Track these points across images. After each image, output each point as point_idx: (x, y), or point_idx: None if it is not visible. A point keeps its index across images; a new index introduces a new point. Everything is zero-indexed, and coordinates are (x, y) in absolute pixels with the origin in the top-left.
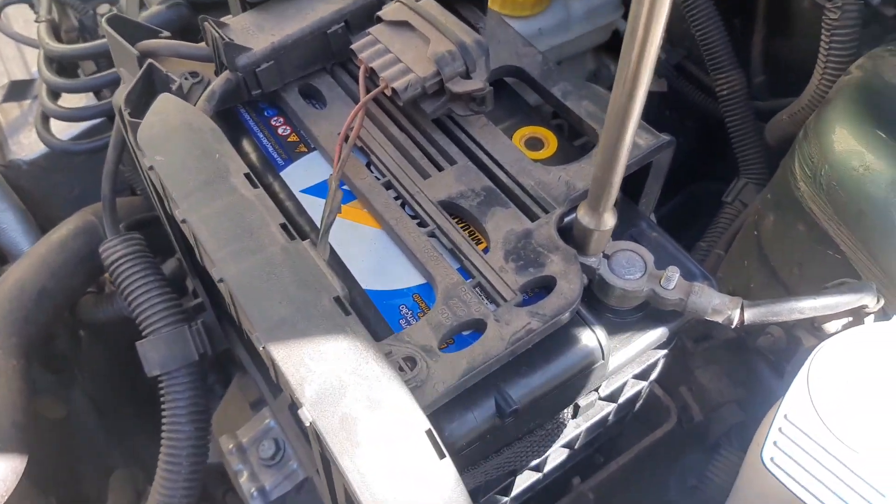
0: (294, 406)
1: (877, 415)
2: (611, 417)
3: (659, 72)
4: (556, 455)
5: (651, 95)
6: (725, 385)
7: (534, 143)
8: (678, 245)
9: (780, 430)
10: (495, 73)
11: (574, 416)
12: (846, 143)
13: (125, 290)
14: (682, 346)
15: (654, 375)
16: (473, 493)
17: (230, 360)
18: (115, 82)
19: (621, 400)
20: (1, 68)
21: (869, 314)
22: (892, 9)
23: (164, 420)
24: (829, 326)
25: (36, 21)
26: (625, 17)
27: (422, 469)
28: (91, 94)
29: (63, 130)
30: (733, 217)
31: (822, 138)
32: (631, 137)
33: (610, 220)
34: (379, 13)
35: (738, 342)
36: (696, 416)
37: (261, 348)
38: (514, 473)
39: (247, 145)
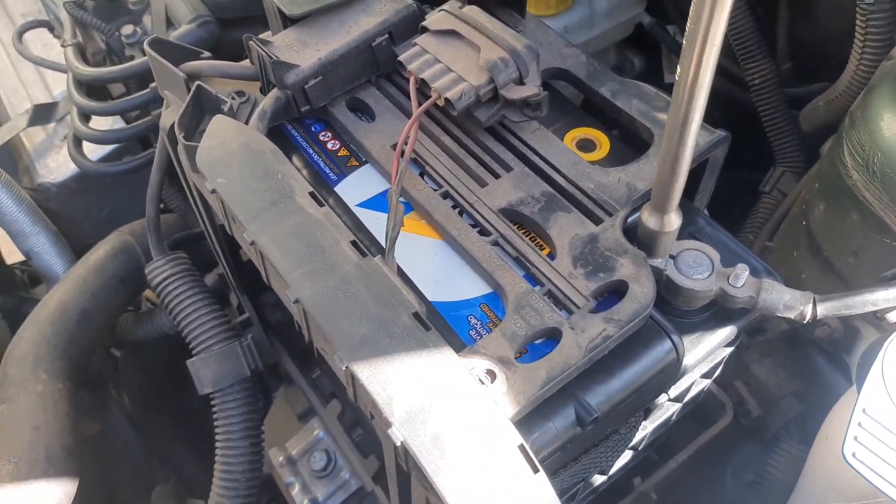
0: (345, 412)
1: None
2: (674, 417)
3: None
4: (622, 457)
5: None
6: (783, 378)
7: (586, 145)
8: (738, 241)
9: (859, 424)
10: (541, 76)
11: (645, 418)
12: None
13: (174, 309)
14: None
15: (717, 373)
16: None
17: (272, 373)
18: (146, 104)
19: (686, 399)
20: (22, 93)
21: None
22: None
23: (218, 437)
24: (891, 316)
25: (62, 45)
26: (647, 10)
27: (517, 484)
28: (118, 116)
29: (90, 153)
30: (773, 206)
31: (871, 125)
32: (694, 137)
33: (676, 220)
34: (424, 23)
35: (793, 334)
36: (753, 410)
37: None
38: (585, 480)
39: (297, 162)
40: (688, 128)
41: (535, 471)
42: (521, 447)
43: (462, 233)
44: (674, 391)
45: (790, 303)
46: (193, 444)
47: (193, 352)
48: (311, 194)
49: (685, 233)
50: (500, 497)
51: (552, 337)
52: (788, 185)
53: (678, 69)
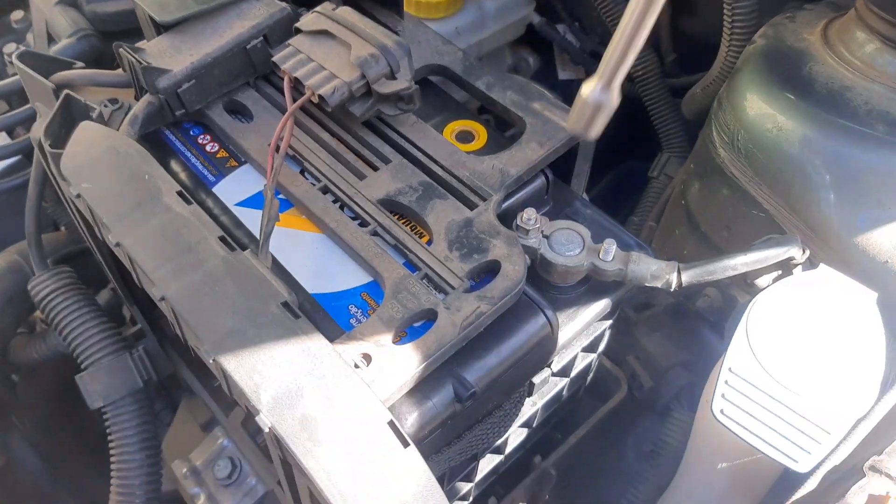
0: (250, 418)
1: (813, 357)
2: (564, 392)
3: (576, 60)
4: (515, 436)
5: (571, 83)
6: (670, 349)
7: (465, 136)
8: (612, 219)
9: (726, 382)
10: (419, 73)
11: (530, 394)
12: (758, 107)
13: (59, 325)
14: (625, 317)
15: (601, 347)
16: (438, 481)
17: (176, 385)
18: (29, 119)
19: (573, 374)
20: None
21: (796, 265)
22: None
23: (112, 451)
24: (761, 282)
25: None
26: (537, 10)
27: (388, 460)
28: (3, 134)
29: None
30: (661, 190)
31: (735, 105)
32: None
33: (618, 97)
34: (297, 24)
35: (678, 307)
36: (645, 383)
37: (210, 361)
38: (477, 458)
39: (175, 166)
40: None
41: (406, 445)
42: (391, 423)
43: (341, 225)
44: (556, 365)
45: (657, 272)
46: (101, 466)
47: (82, 366)
48: (179, 193)
49: (561, 214)
50: (371, 474)
51: (429, 318)
52: (674, 169)
53: None
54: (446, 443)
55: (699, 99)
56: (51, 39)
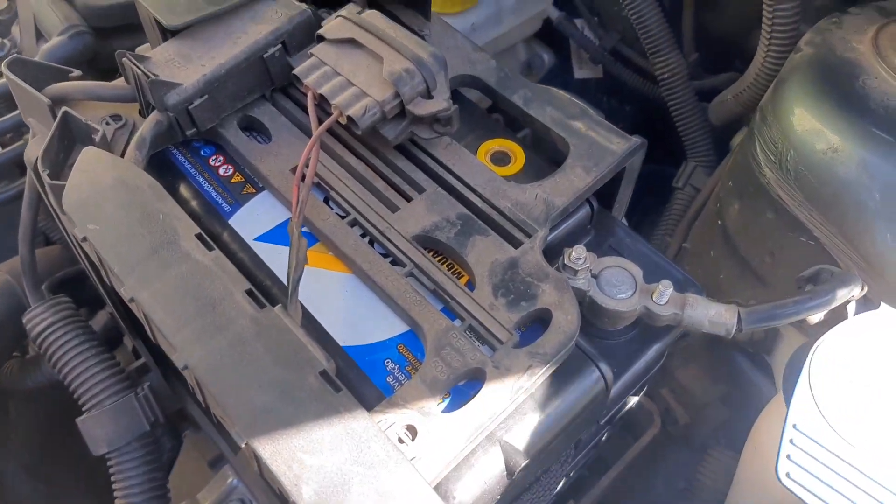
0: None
1: (883, 411)
2: (604, 438)
3: (594, 58)
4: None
5: (587, 82)
6: (707, 383)
7: (500, 158)
8: (660, 253)
9: (791, 441)
10: (450, 84)
11: (575, 448)
12: (808, 123)
13: (57, 363)
14: None
15: (645, 389)
16: None
17: (180, 416)
18: (17, 126)
19: (615, 419)
20: None
21: (850, 302)
22: None
23: (117, 499)
24: (812, 318)
25: None
26: (555, 4)
27: None
28: None
29: None
30: (687, 202)
31: (782, 121)
32: None
33: None
34: (320, 31)
35: (714, 338)
36: (680, 418)
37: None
38: None
39: (185, 192)
40: None
41: None
42: None
43: (373, 265)
44: (604, 416)
45: (715, 318)
46: (96, 492)
47: (84, 408)
48: (199, 236)
49: (605, 246)
50: None
51: (476, 377)
52: (700, 180)
53: None
54: None
55: (730, 106)
56: (40, 35)
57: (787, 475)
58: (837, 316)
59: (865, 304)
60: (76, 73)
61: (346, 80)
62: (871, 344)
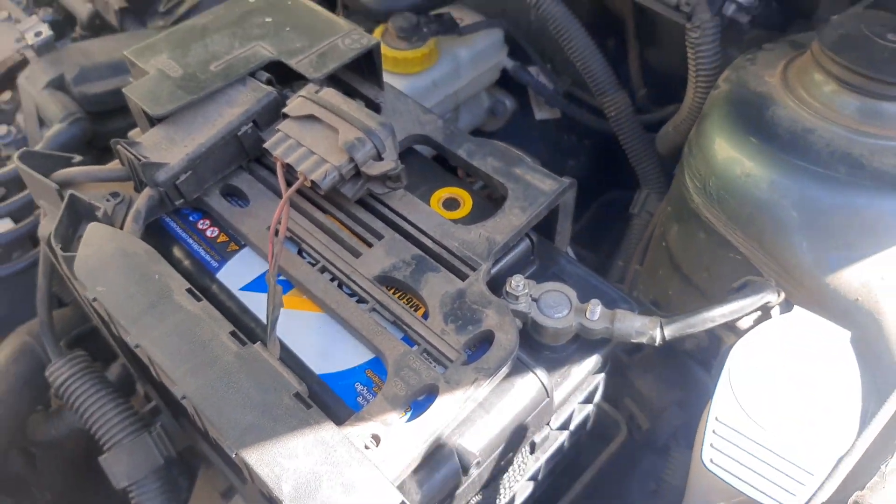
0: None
1: (794, 400)
2: (566, 444)
3: (550, 102)
4: (522, 491)
5: (547, 122)
6: (663, 389)
7: (451, 204)
8: (596, 275)
9: (713, 431)
10: (403, 143)
11: (532, 451)
12: (726, 152)
13: (79, 409)
14: (618, 361)
15: (597, 397)
16: None
17: (193, 455)
18: (27, 206)
19: (573, 426)
20: None
21: (773, 307)
22: (745, 16)
23: None
24: (742, 323)
25: None
26: (510, 55)
27: None
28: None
29: None
30: (643, 228)
31: (704, 151)
32: None
33: None
34: (285, 110)
35: (668, 348)
36: (643, 424)
37: (233, 455)
38: None
39: (178, 253)
40: None
41: None
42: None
43: (341, 304)
44: (555, 422)
45: (641, 329)
46: None
47: (104, 448)
48: (189, 290)
49: (548, 273)
50: None
51: (431, 392)
52: (654, 206)
53: None
54: None
55: (672, 136)
56: (42, 122)
57: (711, 461)
58: (765, 319)
59: (787, 307)
60: (77, 158)
61: (309, 150)
62: (784, 341)
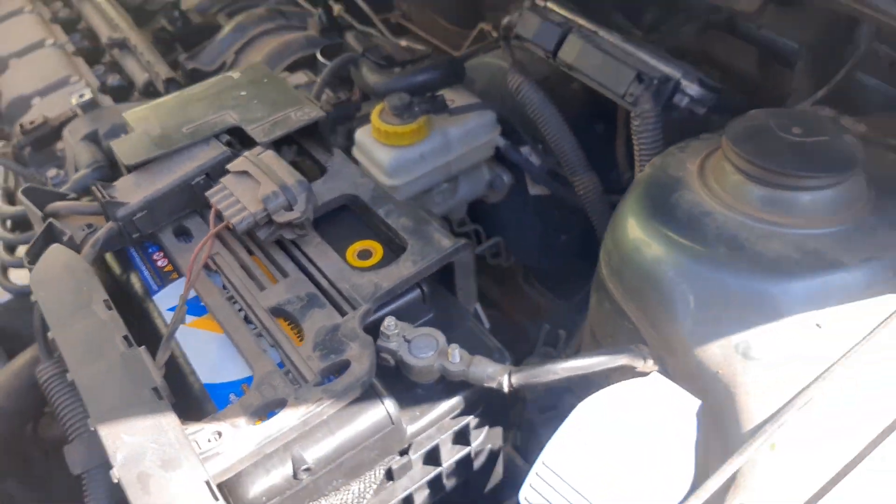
0: None
1: (622, 463)
2: (445, 481)
3: (536, 179)
4: None
5: (540, 198)
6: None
7: (364, 254)
8: (485, 330)
9: (537, 473)
10: (338, 201)
11: (390, 478)
12: (632, 230)
13: (54, 404)
14: (529, 418)
15: (477, 441)
16: None
17: None
18: None
19: (446, 464)
20: None
21: (641, 373)
22: (700, 107)
23: None
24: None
25: None
26: (503, 134)
27: None
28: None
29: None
30: None
31: (615, 229)
32: None
33: None
34: (228, 166)
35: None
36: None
37: (91, 428)
38: None
39: (133, 277)
40: None
41: (216, 499)
42: (207, 482)
43: (236, 328)
44: (415, 452)
45: (492, 374)
46: None
47: (69, 438)
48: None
49: (442, 323)
50: None
51: (280, 406)
52: None
53: None
54: None
55: None
56: (76, 168)
57: (526, 499)
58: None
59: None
60: (71, 196)
61: (236, 199)
62: (631, 404)
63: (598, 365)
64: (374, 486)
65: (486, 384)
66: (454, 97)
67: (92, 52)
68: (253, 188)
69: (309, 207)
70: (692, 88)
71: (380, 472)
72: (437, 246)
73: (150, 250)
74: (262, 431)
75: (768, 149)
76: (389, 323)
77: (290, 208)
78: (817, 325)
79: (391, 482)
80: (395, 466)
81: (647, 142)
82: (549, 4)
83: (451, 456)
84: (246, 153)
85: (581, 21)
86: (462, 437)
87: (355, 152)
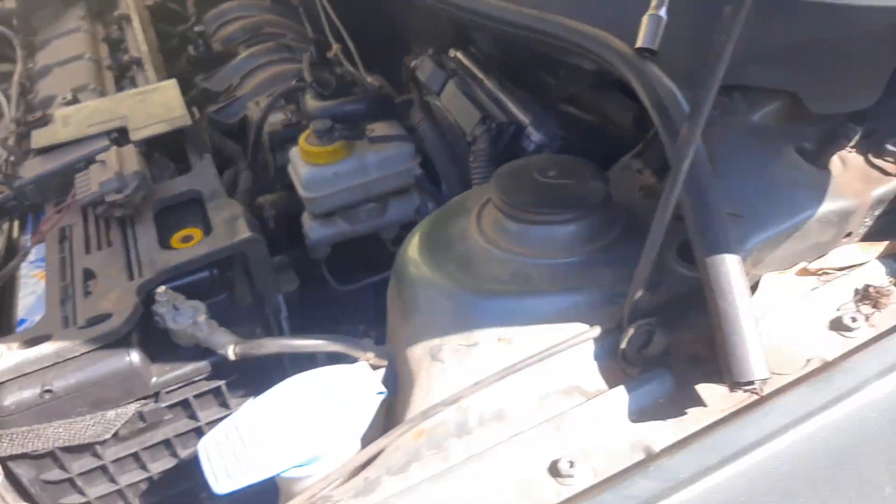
0: None
1: (288, 431)
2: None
3: None
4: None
5: None
6: None
7: (186, 238)
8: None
9: (219, 427)
10: (185, 194)
11: (143, 419)
12: (411, 248)
13: None
14: None
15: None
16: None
17: None
18: None
19: (205, 421)
20: None
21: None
22: (549, 151)
23: None
24: None
25: None
26: (421, 164)
27: None
28: None
29: None
30: None
31: (405, 244)
32: None
33: None
34: (97, 156)
35: None
36: None
37: None
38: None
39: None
40: None
41: None
42: None
43: (52, 280)
44: (165, 402)
45: (223, 343)
46: None
47: None
48: None
49: (235, 306)
50: None
51: (46, 339)
52: None
53: None
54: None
55: None
56: None
57: (203, 447)
58: None
59: None
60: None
61: (89, 182)
62: (323, 383)
63: (314, 347)
64: (127, 421)
65: (218, 351)
66: (384, 129)
67: (125, 67)
68: (106, 174)
69: (138, 194)
70: (535, 135)
71: (131, 409)
72: (230, 236)
73: (41, 216)
74: (23, 355)
75: (523, 190)
76: (160, 291)
77: (119, 192)
78: (499, 339)
79: (146, 425)
80: (145, 410)
81: (479, 175)
82: (459, 55)
83: (210, 415)
84: (115, 147)
85: (475, 69)
86: (220, 399)
87: (289, 167)
